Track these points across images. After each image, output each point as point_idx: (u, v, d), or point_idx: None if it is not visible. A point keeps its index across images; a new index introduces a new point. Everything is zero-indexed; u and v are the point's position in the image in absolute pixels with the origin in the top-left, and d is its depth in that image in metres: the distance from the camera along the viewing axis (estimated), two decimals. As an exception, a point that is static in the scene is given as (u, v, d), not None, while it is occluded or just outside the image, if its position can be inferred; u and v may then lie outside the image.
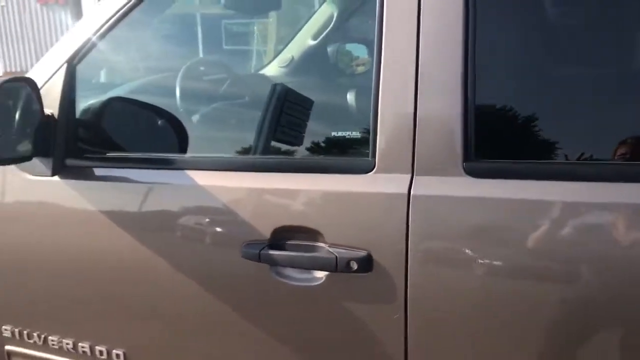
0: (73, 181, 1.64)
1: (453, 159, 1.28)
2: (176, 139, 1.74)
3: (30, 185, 1.68)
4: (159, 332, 1.64)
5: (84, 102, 1.72)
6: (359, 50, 2.77)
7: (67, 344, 1.75)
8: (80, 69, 1.66)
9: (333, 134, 1.59)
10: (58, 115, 1.63)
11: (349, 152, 1.59)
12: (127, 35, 1.72)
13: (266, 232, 1.42)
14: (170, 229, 1.55)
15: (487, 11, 1.28)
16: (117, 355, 1.69)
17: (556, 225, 1.22)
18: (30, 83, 1.59)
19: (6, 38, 16.94)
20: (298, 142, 1.70)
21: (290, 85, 1.93)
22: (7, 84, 1.53)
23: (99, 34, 1.62)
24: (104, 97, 1.79)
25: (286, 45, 2.96)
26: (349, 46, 2.85)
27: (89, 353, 1.72)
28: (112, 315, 1.69)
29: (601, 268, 1.21)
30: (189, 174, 1.53)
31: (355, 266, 1.34)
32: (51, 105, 1.62)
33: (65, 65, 1.64)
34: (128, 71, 2.14)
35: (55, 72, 1.65)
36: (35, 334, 1.79)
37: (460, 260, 1.29)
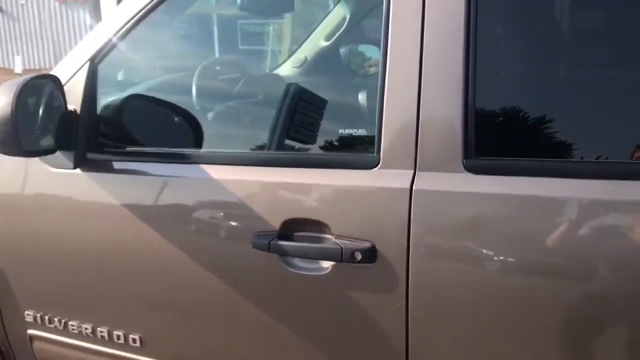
0: (93, 174, 1.70)
1: (453, 157, 1.33)
2: (192, 134, 1.80)
3: (53, 177, 1.74)
4: (174, 318, 1.70)
5: (105, 99, 1.78)
6: (371, 51, 2.81)
7: (86, 328, 1.80)
8: (102, 67, 1.72)
9: (341, 131, 1.64)
10: (80, 111, 1.68)
11: (356, 149, 1.64)
12: (146, 35, 1.77)
13: (276, 223, 1.48)
14: (184, 219, 1.61)
15: (487, 22, 1.34)
16: (134, 340, 1.74)
17: (550, 219, 1.28)
18: (55, 80, 1.65)
19: (25, 36, 17.07)
20: (308, 139, 1.76)
21: (302, 85, 1.98)
22: (33, 80, 1.59)
23: (119, 34, 1.68)
24: (123, 95, 1.85)
25: (300, 45, 3.03)
26: (362, 47, 2.89)
27: (106, 337, 1.78)
28: (128, 302, 1.74)
29: (595, 260, 1.26)
30: (204, 168, 1.59)
31: (359, 257, 1.39)
32: (74, 102, 1.68)
33: (88, 64, 1.70)
34: (147, 70, 2.20)
35: (78, 70, 1.71)
36: (56, 319, 1.85)
37: (459, 251, 1.35)
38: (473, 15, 1.32)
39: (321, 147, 1.69)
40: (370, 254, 1.39)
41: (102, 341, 1.80)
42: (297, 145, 1.77)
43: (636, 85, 1.35)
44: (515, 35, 1.47)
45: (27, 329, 1.91)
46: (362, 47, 2.89)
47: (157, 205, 1.65)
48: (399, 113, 1.39)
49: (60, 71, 1.74)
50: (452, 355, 1.40)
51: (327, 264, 1.45)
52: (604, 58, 1.42)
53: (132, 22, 1.67)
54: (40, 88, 1.63)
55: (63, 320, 1.85)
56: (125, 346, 1.76)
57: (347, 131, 1.63)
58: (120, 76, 1.98)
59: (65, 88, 1.67)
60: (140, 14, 1.66)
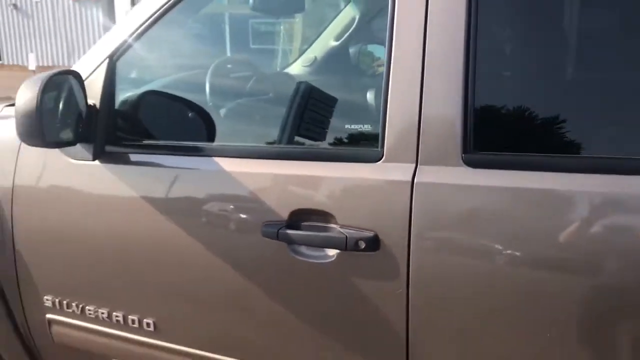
0: (111, 165, 1.77)
1: (453, 151, 1.41)
2: (205, 129, 1.87)
3: (73, 168, 1.81)
4: (187, 304, 1.76)
5: (123, 94, 1.85)
6: (379, 51, 2.87)
7: (102, 313, 1.87)
8: (120, 64, 1.79)
9: (347, 127, 1.71)
10: (99, 106, 1.75)
11: (361, 143, 1.71)
12: (162, 34, 1.83)
13: (284, 213, 1.55)
14: (197, 209, 1.68)
15: (485, 27, 1.42)
16: (148, 324, 1.81)
17: (544, 211, 1.35)
18: (76, 76, 1.73)
19: (39, 33, 17.22)
20: (315, 133, 1.83)
21: (311, 84, 2.05)
22: (56, 76, 1.66)
23: (137, 33, 1.76)
24: (140, 90, 1.92)
25: (310, 45, 3.10)
26: (371, 47, 2.96)
27: (122, 321, 1.85)
28: (143, 288, 1.81)
29: (587, 250, 1.32)
30: (216, 160, 1.66)
31: (363, 245, 1.46)
32: (93, 97, 1.75)
33: (107, 61, 1.77)
34: (162, 67, 2.26)
35: (98, 66, 1.78)
36: (73, 304, 1.91)
37: (458, 241, 1.42)
38: (473, 21, 1.40)
39: (328, 142, 1.76)
40: (373, 243, 1.46)
41: (117, 325, 1.86)
42: (306, 139, 1.83)
43: (628, 84, 1.41)
44: (512, 38, 1.55)
45: (45, 314, 1.98)
46: (371, 47, 2.96)
47: (171, 195, 1.73)
48: (402, 110, 1.46)
49: (81, 67, 1.81)
50: (451, 341, 1.47)
51: (332, 252, 1.52)
52: (599, 59, 1.49)
53: (148, 22, 1.75)
54: (63, 83, 1.70)
55: (80, 305, 1.91)
56: (140, 330, 1.83)
57: (354, 127, 1.70)
58: (137, 73, 2.05)
59: (85, 83, 1.75)
60: (157, 14, 1.74)
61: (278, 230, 1.54)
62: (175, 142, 1.79)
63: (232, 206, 1.67)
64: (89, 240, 1.85)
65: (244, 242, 1.64)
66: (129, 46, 1.79)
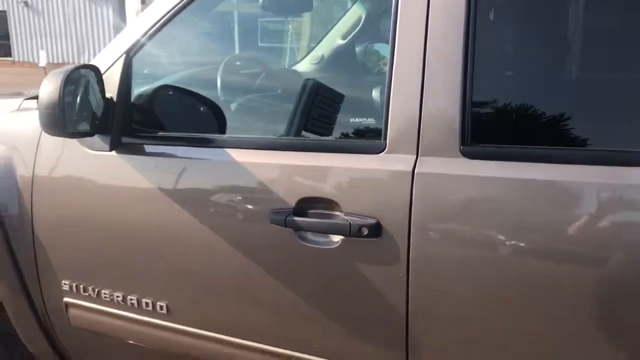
0: (128, 156, 1.85)
1: (451, 143, 1.49)
2: (216, 122, 1.95)
3: (91, 158, 1.89)
4: (197, 288, 1.84)
5: (138, 88, 1.93)
6: (385, 50, 2.94)
7: (118, 296, 1.95)
8: (136, 59, 1.87)
9: (352, 120, 1.80)
10: (116, 99, 1.83)
11: (365, 136, 1.78)
12: (175, 32, 1.92)
13: (291, 201, 1.63)
14: (208, 198, 1.76)
15: (484, 25, 1.50)
16: (161, 307, 1.88)
17: (538, 200, 1.43)
18: (95, 70, 1.81)
19: (50, 31, 17.31)
20: (322, 126, 1.91)
21: (318, 80, 2.12)
22: (77, 70, 1.75)
23: (152, 30, 1.84)
24: (155, 85, 2.00)
25: (317, 43, 3.18)
26: (377, 46, 3.03)
27: (136, 304, 1.93)
28: (157, 273, 1.89)
29: (580, 239, 1.39)
30: (227, 151, 1.74)
31: (366, 232, 1.54)
32: (111, 90, 1.83)
33: (124, 56, 1.85)
34: (176, 63, 2.34)
35: (115, 61, 1.86)
36: (90, 288, 1.99)
37: (455, 228, 1.50)
38: (472, 19, 1.48)
39: (334, 134, 1.85)
40: (376, 230, 1.54)
41: (131, 308, 1.94)
42: (312, 132, 1.91)
43: (621, 80, 1.49)
44: (509, 37, 1.64)
45: (63, 297, 2.06)
46: (377, 46, 3.03)
47: (184, 184, 1.81)
48: (404, 105, 1.54)
49: (99, 62, 1.89)
50: (448, 323, 1.55)
51: (337, 238, 1.60)
52: (593, 57, 1.58)
53: (163, 20, 1.83)
54: (83, 77, 1.78)
55: (97, 289, 1.99)
56: (153, 313, 1.91)
57: (358, 120, 1.78)
58: (151, 68, 2.12)
59: (103, 77, 1.83)
60: (170, 13, 1.82)
61: (286, 218, 1.62)
62: (188, 134, 1.87)
63: (242, 195, 1.74)
64: (105, 228, 1.93)
65: (253, 229, 1.71)
66: (145, 43, 1.87)
